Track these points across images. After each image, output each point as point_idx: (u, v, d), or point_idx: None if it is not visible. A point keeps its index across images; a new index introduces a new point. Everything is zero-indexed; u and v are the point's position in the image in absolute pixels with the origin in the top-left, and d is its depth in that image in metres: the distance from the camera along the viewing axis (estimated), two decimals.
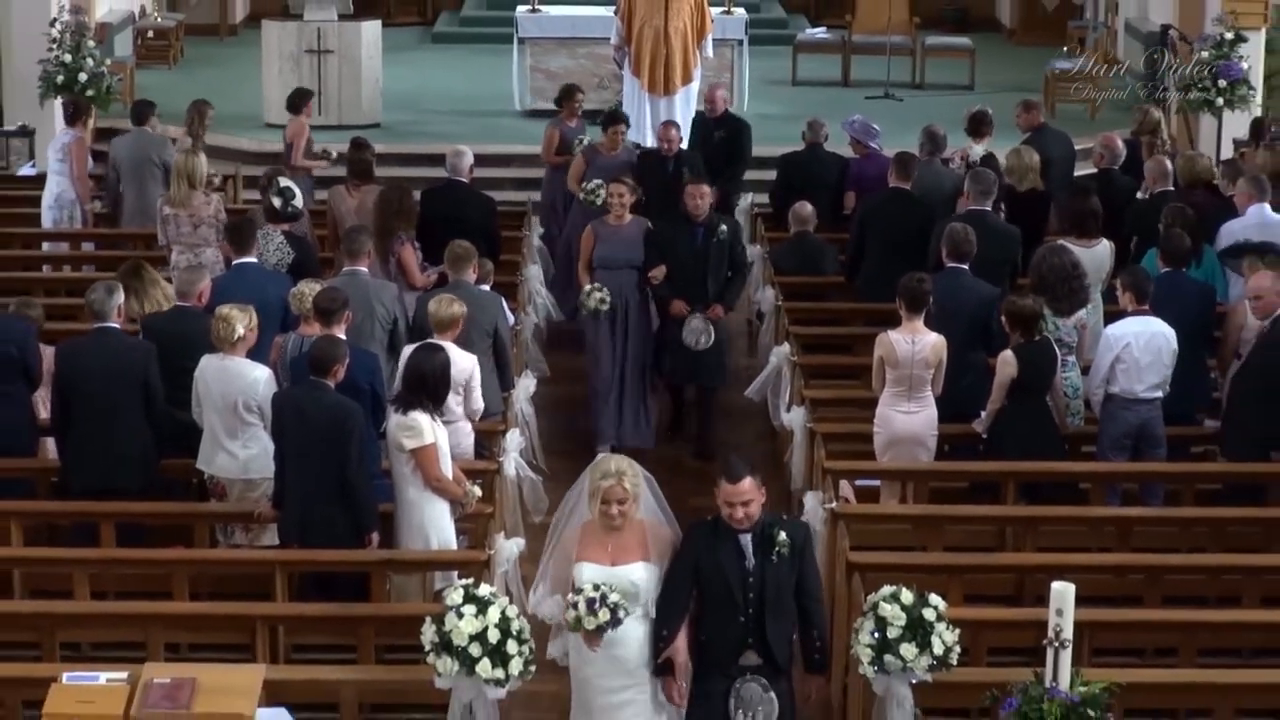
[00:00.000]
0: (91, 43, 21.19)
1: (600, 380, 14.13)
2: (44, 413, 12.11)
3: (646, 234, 13.88)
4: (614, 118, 16.73)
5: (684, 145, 18.31)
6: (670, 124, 16.46)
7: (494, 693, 9.17)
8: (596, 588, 8.32)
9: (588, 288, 13.74)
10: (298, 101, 18.72)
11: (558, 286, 16.53)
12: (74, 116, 18.31)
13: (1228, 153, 19.88)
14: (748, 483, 8.50)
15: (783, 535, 8.54)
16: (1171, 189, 15.25)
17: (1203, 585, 11.19)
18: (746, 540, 8.52)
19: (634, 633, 8.64)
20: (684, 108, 20.45)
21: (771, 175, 17.63)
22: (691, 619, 8.74)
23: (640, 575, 8.56)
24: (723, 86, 17.43)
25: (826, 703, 11.11)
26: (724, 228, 14.04)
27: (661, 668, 8.60)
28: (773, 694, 8.61)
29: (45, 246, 18.14)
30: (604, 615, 8.25)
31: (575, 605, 8.33)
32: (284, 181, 15.51)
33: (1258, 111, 20.69)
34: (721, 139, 16.30)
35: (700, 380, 14.28)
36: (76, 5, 21.73)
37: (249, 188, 18.25)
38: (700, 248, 13.64)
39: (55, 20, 20.79)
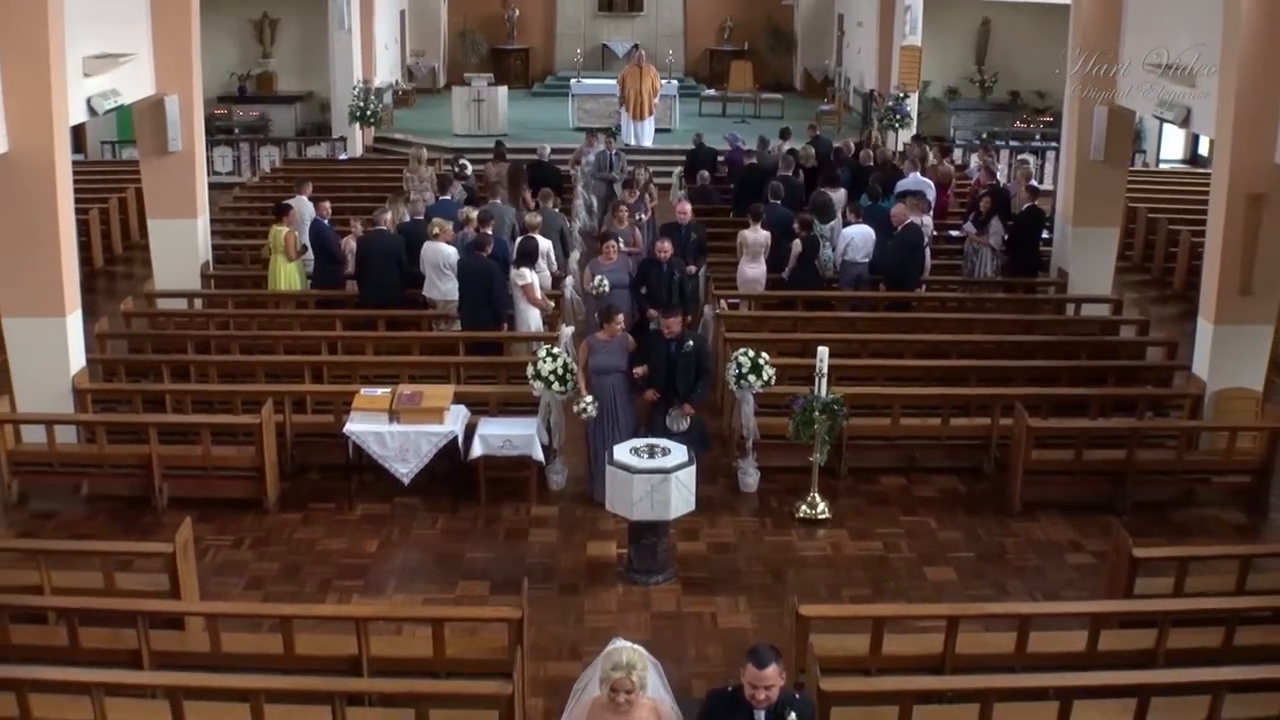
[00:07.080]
0: (373, 96, 20.57)
1: (596, 454, 8.90)
2: (350, 269, 11.72)
3: (635, 346, 8.94)
4: (614, 215, 12.35)
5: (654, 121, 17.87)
6: (665, 242, 11.07)
7: (559, 397, 8.97)
8: None
9: (580, 405, 8.68)
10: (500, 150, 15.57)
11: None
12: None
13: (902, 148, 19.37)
14: (772, 669, 4.55)
15: (793, 716, 4.58)
16: (873, 165, 14.74)
17: (887, 348, 10.88)
18: (761, 715, 4.60)
19: None
20: (648, 125, 20.27)
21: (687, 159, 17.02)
22: None
23: None
24: (686, 203, 12.61)
25: (714, 404, 10.86)
26: (690, 343, 8.68)
27: None
28: None
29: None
30: None
31: None
32: (463, 160, 14.90)
33: (914, 130, 20.30)
34: (694, 240, 13.72)
35: None
36: (366, 79, 21.09)
37: (447, 164, 17.56)
38: (672, 357, 8.60)
39: (356, 85, 20.23)
